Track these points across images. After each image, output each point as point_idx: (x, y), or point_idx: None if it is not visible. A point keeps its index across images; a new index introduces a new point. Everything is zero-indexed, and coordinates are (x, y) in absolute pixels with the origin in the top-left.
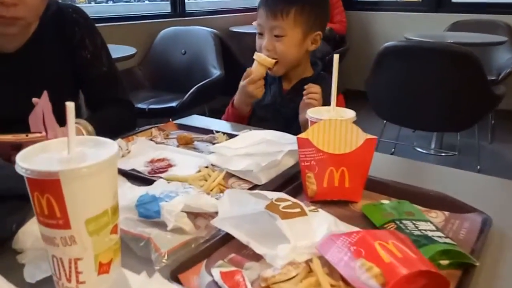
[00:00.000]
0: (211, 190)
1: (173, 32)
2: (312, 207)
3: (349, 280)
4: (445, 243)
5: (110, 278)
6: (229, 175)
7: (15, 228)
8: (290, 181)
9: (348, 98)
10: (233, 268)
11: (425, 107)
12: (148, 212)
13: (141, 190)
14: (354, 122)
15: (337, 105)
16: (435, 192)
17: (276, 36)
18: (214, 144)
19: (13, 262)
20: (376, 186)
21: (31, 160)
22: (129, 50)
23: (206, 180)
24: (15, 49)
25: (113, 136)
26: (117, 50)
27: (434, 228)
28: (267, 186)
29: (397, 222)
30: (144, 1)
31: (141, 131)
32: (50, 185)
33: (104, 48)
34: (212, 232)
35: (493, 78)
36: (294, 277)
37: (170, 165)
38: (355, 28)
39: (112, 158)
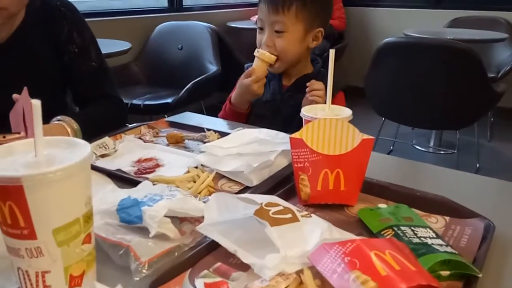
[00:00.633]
0: (199, 193)
1: (170, 27)
2: (305, 212)
3: None
4: (445, 252)
5: None
6: (219, 176)
7: None
8: (283, 183)
9: (347, 95)
10: (218, 279)
11: (424, 104)
12: (130, 217)
13: (124, 193)
14: (352, 120)
15: (336, 103)
16: (435, 196)
17: (276, 31)
18: (205, 143)
19: None
20: (373, 189)
21: None
22: (123, 45)
23: (194, 182)
24: None
25: (101, 133)
26: (111, 45)
27: (434, 235)
28: (258, 188)
29: (395, 229)
30: None
31: (129, 129)
32: (12, 191)
33: (93, 42)
34: (197, 239)
35: (492, 75)
36: None
37: (158, 165)
38: (354, 24)
39: (83, 161)
